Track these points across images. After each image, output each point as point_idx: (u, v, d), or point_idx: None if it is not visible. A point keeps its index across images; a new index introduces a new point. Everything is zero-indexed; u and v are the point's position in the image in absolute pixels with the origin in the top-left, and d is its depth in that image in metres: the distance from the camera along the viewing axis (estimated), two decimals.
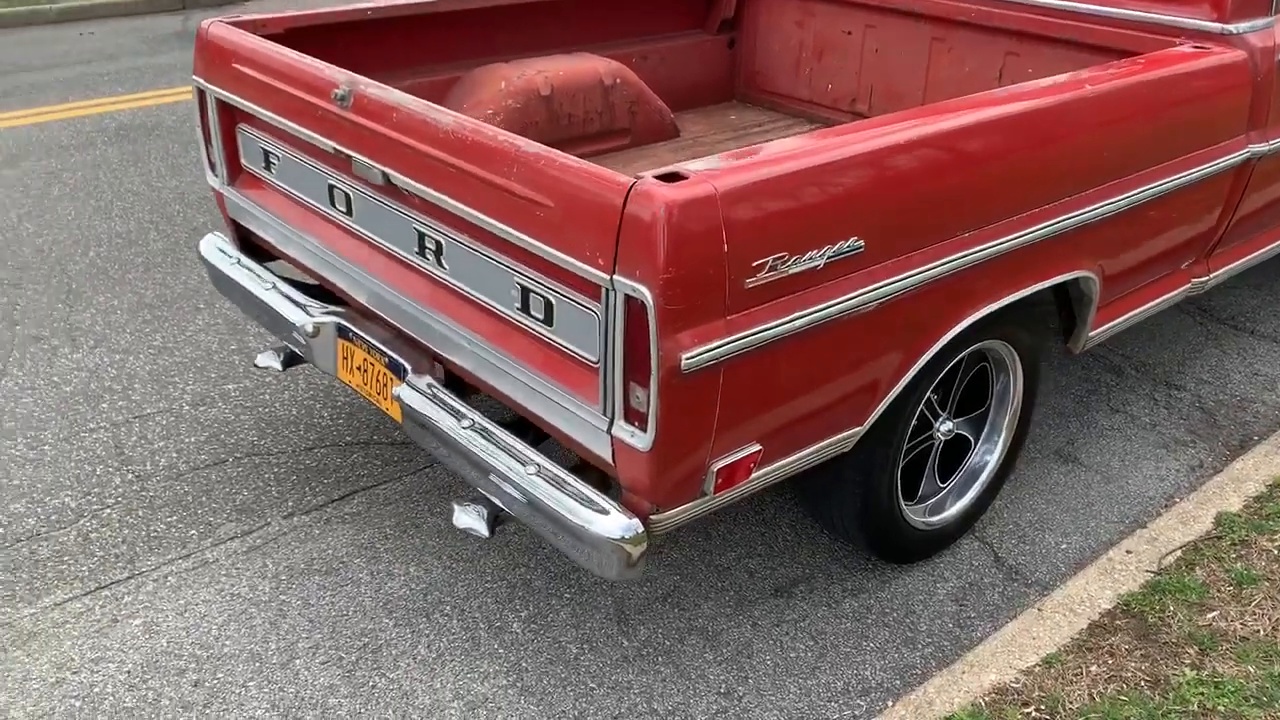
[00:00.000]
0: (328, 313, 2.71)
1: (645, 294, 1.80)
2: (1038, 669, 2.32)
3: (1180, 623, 2.42)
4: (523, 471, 2.12)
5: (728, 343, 1.89)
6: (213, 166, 3.07)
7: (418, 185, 2.25)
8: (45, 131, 6.30)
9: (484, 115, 3.31)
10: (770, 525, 2.96)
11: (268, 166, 2.89)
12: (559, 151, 1.98)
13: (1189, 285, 3.18)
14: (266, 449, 3.29)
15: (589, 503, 2.03)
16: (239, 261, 3.00)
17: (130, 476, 3.15)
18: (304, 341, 2.72)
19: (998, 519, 3.00)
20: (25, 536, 2.90)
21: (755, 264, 1.89)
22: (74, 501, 3.04)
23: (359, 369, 2.63)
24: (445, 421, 2.29)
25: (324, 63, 2.56)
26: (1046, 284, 2.54)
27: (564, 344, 2.07)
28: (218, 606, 2.66)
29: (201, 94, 2.98)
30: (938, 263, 2.19)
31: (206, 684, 2.44)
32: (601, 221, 1.85)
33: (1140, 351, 3.88)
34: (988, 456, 2.89)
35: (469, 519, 2.26)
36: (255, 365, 3.07)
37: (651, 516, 2.04)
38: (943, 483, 2.86)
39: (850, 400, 2.27)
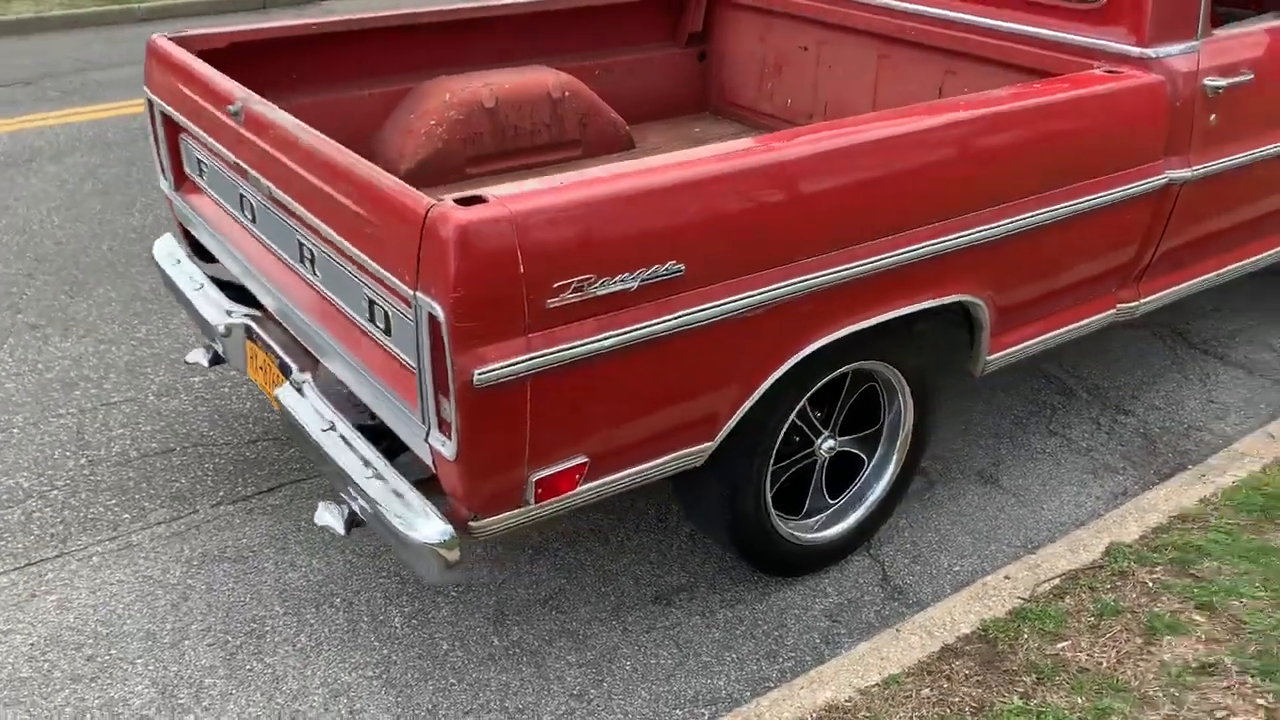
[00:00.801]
0: (243, 315, 2.86)
1: (439, 311, 1.90)
2: (874, 689, 2.35)
3: (1028, 651, 2.43)
4: (362, 477, 2.23)
5: (529, 360, 1.97)
6: (163, 172, 3.26)
7: (287, 198, 2.38)
8: (97, 128, 6.65)
9: (427, 126, 3.45)
10: (669, 533, 3.03)
11: (201, 174, 3.06)
12: (383, 172, 2.08)
13: (1114, 310, 3.14)
14: (213, 440, 3.47)
15: (411, 509, 2.13)
16: (179, 262, 3.18)
17: (84, 461, 3.36)
18: (220, 341, 2.88)
19: (897, 537, 3.01)
20: None
21: (557, 285, 1.96)
22: (27, 482, 3.25)
23: (261, 369, 2.78)
24: (309, 423, 2.41)
25: (229, 79, 2.71)
26: (916, 308, 2.56)
27: (399, 354, 2.17)
28: (129, 587, 2.84)
29: (150, 103, 3.17)
30: (772, 288, 2.24)
31: (99, 659, 2.61)
32: (407, 240, 1.95)
33: (1097, 374, 3.83)
34: (879, 476, 2.91)
35: (329, 517, 2.38)
36: (185, 361, 3.25)
37: (470, 523, 2.13)
38: (832, 499, 2.89)
39: (693, 417, 2.33)
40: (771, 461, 2.60)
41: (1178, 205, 3.05)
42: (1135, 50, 2.90)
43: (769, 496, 2.65)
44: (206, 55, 3.18)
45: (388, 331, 2.20)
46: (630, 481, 2.33)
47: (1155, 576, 2.64)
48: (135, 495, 3.20)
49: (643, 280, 2.07)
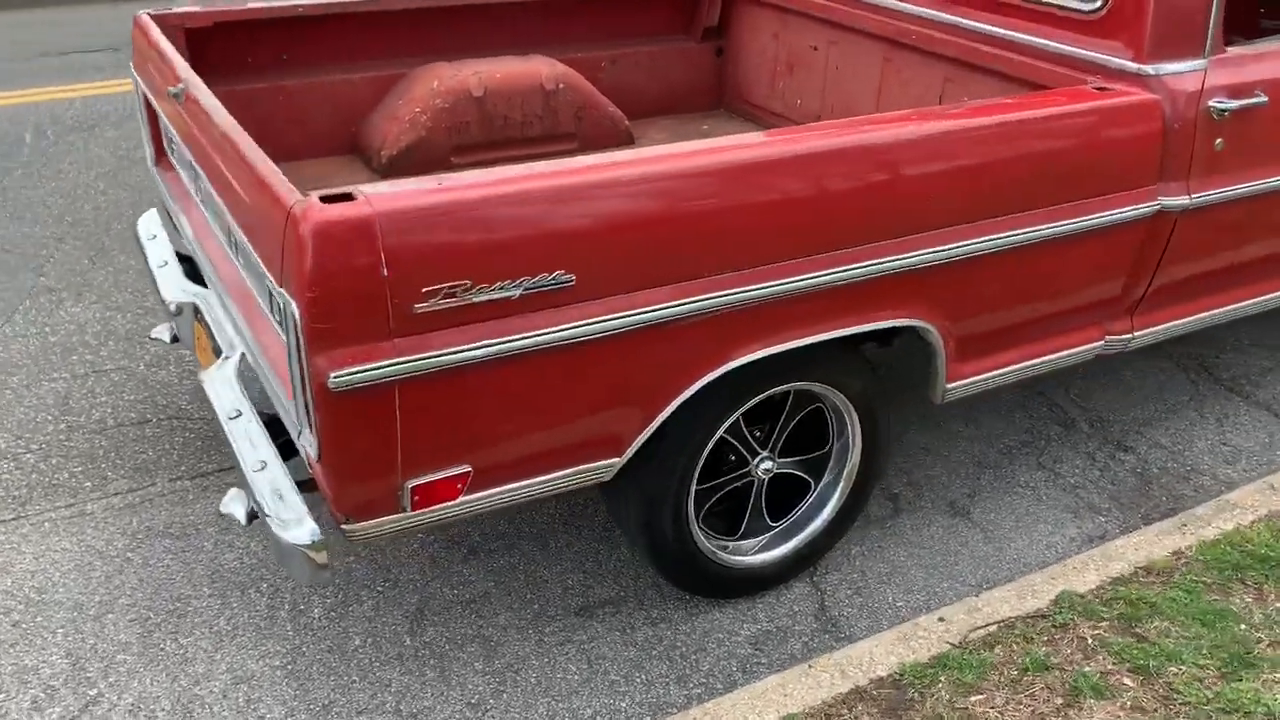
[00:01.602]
0: (193, 294, 2.87)
1: (294, 310, 1.86)
2: None
3: (937, 702, 2.29)
4: (250, 469, 2.21)
5: (394, 365, 1.92)
6: (148, 146, 3.29)
7: (207, 182, 2.37)
8: None
9: (412, 114, 3.42)
10: (612, 543, 2.96)
11: (171, 151, 3.08)
12: (269, 163, 2.05)
13: (1102, 342, 2.95)
14: (190, 414, 3.51)
15: (287, 507, 2.10)
16: (154, 237, 3.21)
17: (63, 426, 3.43)
18: (173, 319, 2.90)
19: (846, 565, 2.89)
20: None
21: (426, 290, 1.90)
22: (4, 444, 3.34)
23: (203, 350, 2.79)
24: (219, 408, 2.40)
25: (181, 60, 2.72)
26: (850, 331, 2.43)
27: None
28: (70, 556, 2.88)
29: (135, 80, 3.20)
30: (674, 304, 2.14)
31: (23, 625, 2.65)
32: (275, 235, 1.91)
33: (1105, 405, 3.62)
34: (824, 503, 2.78)
35: (234, 505, 2.36)
36: (149, 336, 3.29)
37: (344, 526, 2.09)
38: (774, 522, 2.78)
39: (594, 432, 2.25)
40: (694, 480, 2.51)
41: (1176, 235, 2.85)
42: (1133, 66, 2.71)
43: (692, 515, 2.55)
44: (192, 34, 3.21)
45: (282, 324, 2.17)
46: (530, 493, 2.26)
47: (1097, 632, 2.47)
48: (101, 464, 3.25)
49: (526, 289, 1.99)
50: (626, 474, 2.43)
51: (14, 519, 3.02)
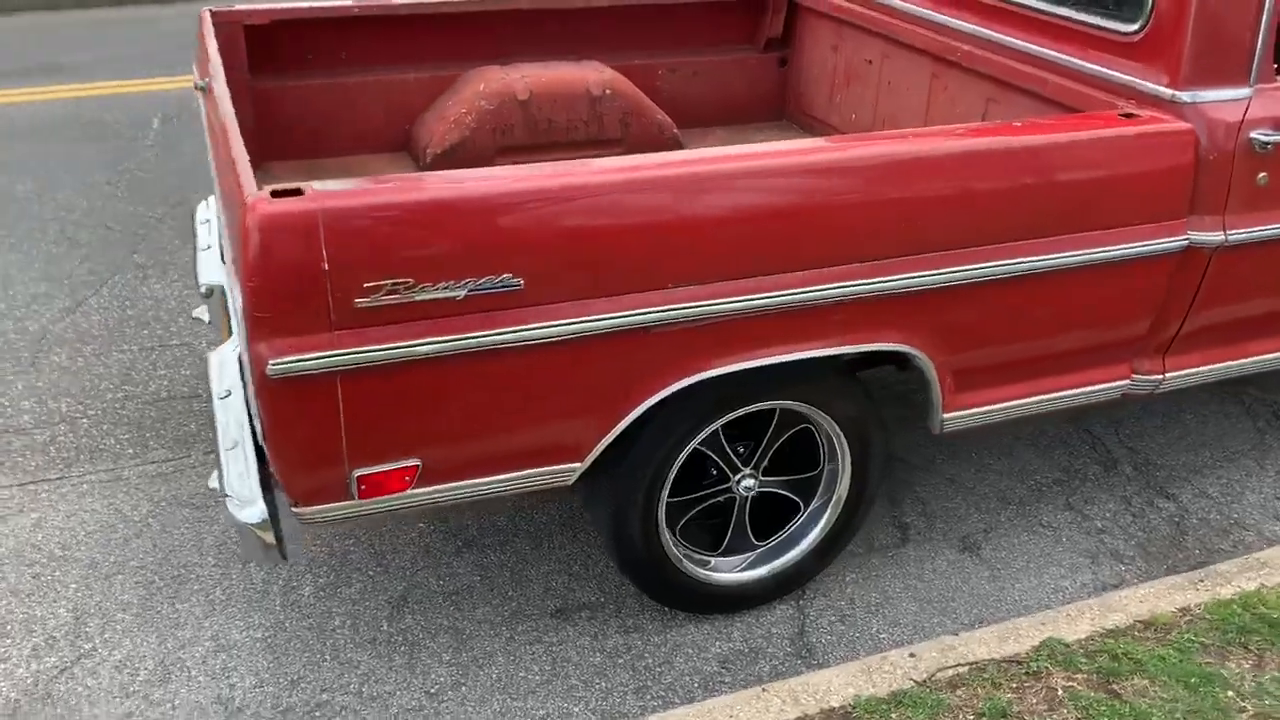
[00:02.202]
0: (222, 278, 3.01)
1: (240, 298, 1.94)
2: None
3: None
4: (224, 447, 2.31)
5: (335, 357, 1.97)
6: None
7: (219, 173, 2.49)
8: None
9: (458, 114, 3.50)
10: (603, 548, 2.97)
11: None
12: (244, 157, 2.13)
13: (1129, 381, 2.81)
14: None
15: (245, 486, 2.19)
16: (206, 222, 3.38)
17: (121, 395, 3.64)
18: (204, 300, 3.05)
19: (836, 591, 2.83)
20: (13, 429, 3.45)
21: (368, 285, 1.96)
22: (66, 408, 3.57)
23: (226, 331, 2.92)
24: (214, 386, 2.52)
25: (216, 56, 2.85)
26: (829, 352, 2.38)
27: None
28: (98, 517, 3.06)
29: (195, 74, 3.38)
30: (627, 314, 2.14)
31: (42, 578, 2.83)
32: (236, 226, 2.00)
33: (1155, 447, 3.44)
34: (810, 527, 2.73)
35: (215, 480, 2.47)
36: (191, 315, 3.45)
37: (294, 510, 2.17)
38: (759, 541, 2.74)
39: (550, 436, 2.27)
40: (665, 490, 2.50)
41: (1211, 273, 2.69)
42: (1167, 92, 2.57)
43: (663, 525, 2.54)
44: (251, 30, 3.36)
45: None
46: (484, 491, 2.30)
47: (1071, 684, 2.35)
48: (146, 434, 3.44)
49: (472, 290, 2.03)
50: (596, 478, 2.44)
51: (58, 479, 3.23)
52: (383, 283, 1.96)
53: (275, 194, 1.93)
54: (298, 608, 2.75)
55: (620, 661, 2.60)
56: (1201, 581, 2.72)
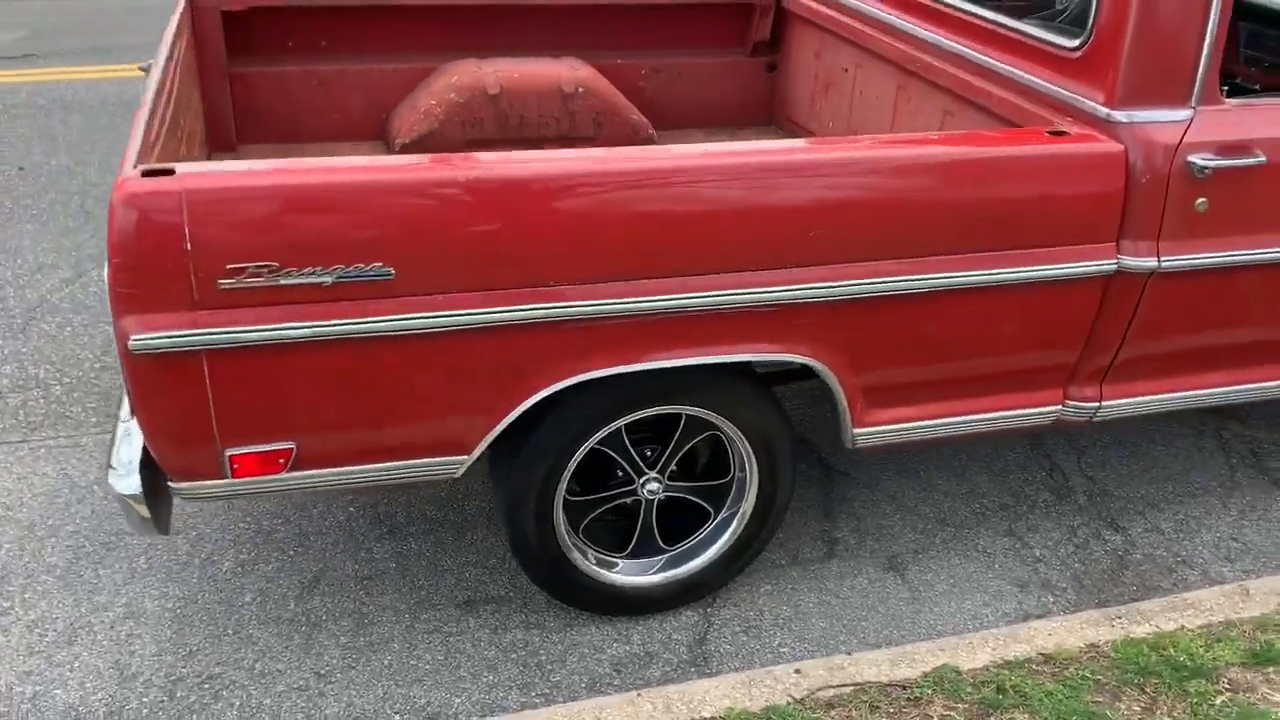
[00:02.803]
0: None
1: (106, 274, 1.99)
2: None
3: None
4: (124, 414, 2.37)
5: (197, 335, 2.01)
6: None
7: None
8: None
9: (428, 105, 3.54)
10: None
11: None
12: (139, 141, 2.17)
13: (1060, 407, 2.73)
14: None
15: (128, 456, 2.25)
16: None
17: (98, 365, 3.76)
18: None
19: (747, 602, 2.80)
20: None
21: (231, 267, 1.99)
22: (45, 374, 3.69)
23: None
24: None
25: (177, 39, 2.91)
26: (719, 359, 2.35)
27: None
28: (47, 481, 3.16)
29: None
30: (505, 310, 2.14)
31: None
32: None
33: (1117, 479, 3.33)
34: (718, 536, 2.71)
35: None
36: None
37: (168, 484, 2.22)
38: (666, 546, 2.73)
39: (434, 427, 2.28)
40: (560, 487, 2.49)
41: (1147, 300, 2.60)
42: (1103, 111, 2.49)
43: (560, 522, 2.54)
44: (228, 16, 3.43)
45: None
46: (372, 478, 2.32)
47: (949, 713, 2.29)
48: (112, 403, 3.54)
49: (340, 278, 2.05)
50: (498, 472, 2.45)
51: (20, 441, 3.34)
52: (246, 265, 1.99)
53: (146, 173, 1.97)
54: (213, 581, 2.81)
55: (514, 657, 2.61)
56: (1119, 618, 2.63)
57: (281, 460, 2.22)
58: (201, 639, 2.63)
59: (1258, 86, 3.33)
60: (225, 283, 2.00)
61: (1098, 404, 2.75)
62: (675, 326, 2.28)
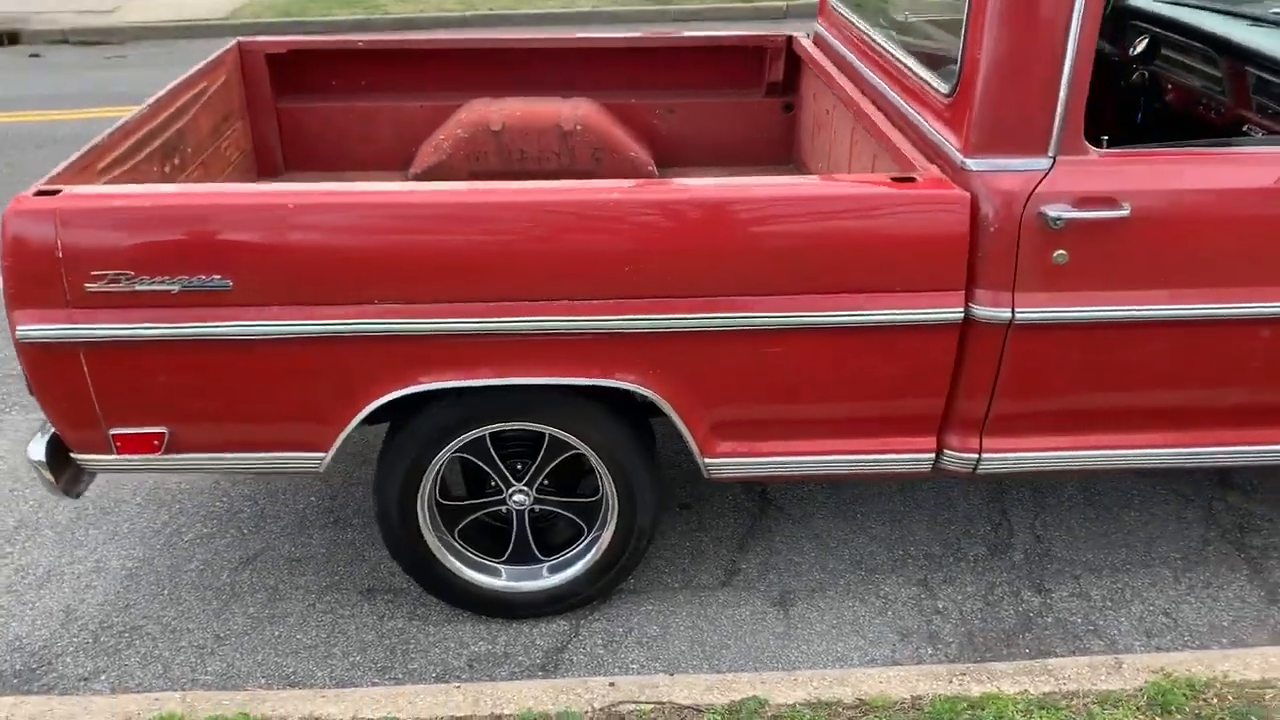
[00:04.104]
0: None
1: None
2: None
3: None
4: None
5: (71, 330, 2.40)
6: None
7: None
8: None
9: (438, 140, 3.88)
10: None
11: None
12: (69, 163, 2.59)
13: (930, 455, 2.70)
14: None
15: (44, 425, 2.66)
16: None
17: None
18: None
19: (621, 616, 2.93)
20: None
21: (95, 273, 2.36)
22: None
23: None
24: None
25: (192, 82, 3.37)
26: (549, 381, 2.51)
27: None
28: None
29: None
30: (331, 323, 2.40)
31: (16, 492, 3.49)
32: None
33: (1071, 539, 3.21)
34: (586, 553, 2.86)
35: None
36: None
37: (72, 455, 2.62)
38: (543, 557, 2.90)
39: (288, 426, 2.58)
40: (422, 493, 2.72)
41: (1010, 351, 2.55)
42: (958, 158, 2.49)
43: (426, 526, 2.77)
44: (272, 59, 3.91)
45: None
46: (243, 466, 2.65)
47: None
48: None
49: (184, 286, 2.38)
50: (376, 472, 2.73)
51: None
52: (106, 273, 2.36)
53: (38, 193, 2.38)
54: (172, 549, 3.22)
55: (386, 643, 2.85)
56: (963, 675, 2.57)
57: (156, 442, 2.57)
58: (141, 595, 3.03)
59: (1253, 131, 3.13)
60: (91, 287, 2.37)
61: (978, 455, 2.70)
62: (501, 348, 2.47)
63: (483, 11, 12.06)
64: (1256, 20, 3.37)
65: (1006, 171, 2.44)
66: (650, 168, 3.91)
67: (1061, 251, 2.45)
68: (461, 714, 2.48)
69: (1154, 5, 3.71)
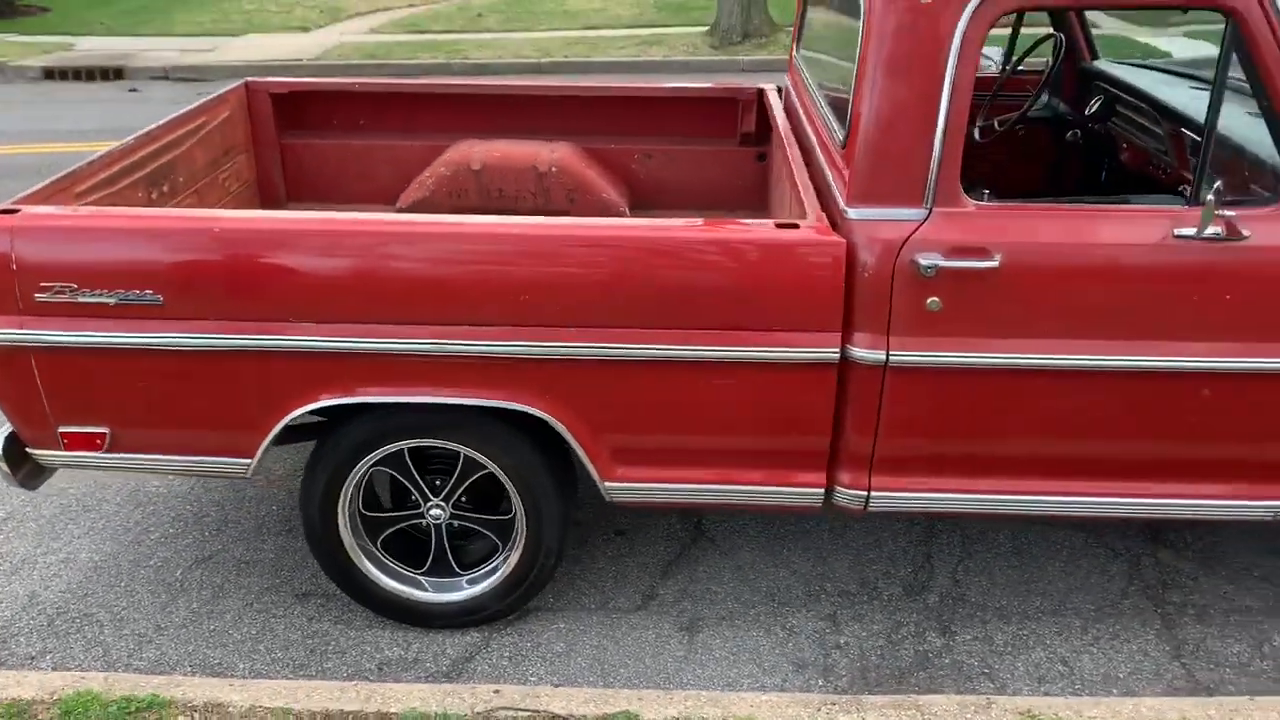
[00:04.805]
0: None
1: None
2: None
3: None
4: None
5: (23, 335, 2.66)
6: None
7: None
8: None
9: (423, 177, 4.13)
10: None
11: None
12: (34, 189, 2.88)
13: (819, 490, 2.81)
14: None
15: (3, 421, 2.94)
16: None
17: None
18: None
19: (534, 632, 3.07)
20: None
21: (44, 284, 2.63)
22: None
23: None
24: None
25: (189, 118, 3.68)
26: (450, 400, 2.69)
27: None
28: None
29: None
30: (249, 338, 2.63)
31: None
32: None
33: (989, 585, 3.26)
34: (496, 569, 3.02)
35: None
36: None
37: (28, 449, 2.89)
38: (460, 570, 3.07)
39: (215, 432, 2.80)
40: (341, 505, 2.92)
41: (889, 393, 2.66)
42: (841, 205, 2.63)
43: (345, 534, 2.96)
44: (276, 98, 4.21)
45: None
46: (178, 468, 2.87)
47: None
48: None
49: (120, 300, 2.63)
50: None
51: None
52: (53, 284, 2.63)
53: (1, 211, 2.67)
54: (138, 545, 3.47)
55: (309, 643, 3.05)
56: (833, 705, 2.66)
57: (99, 441, 2.82)
58: (100, 586, 3.28)
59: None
60: (40, 296, 2.64)
61: (867, 493, 2.79)
62: (410, 367, 2.66)
63: (557, 59, 12.44)
64: (1201, 83, 3.43)
65: (883, 220, 2.56)
66: (622, 209, 4.09)
67: (934, 298, 2.55)
68: (352, 709, 2.65)
69: (1113, 68, 3.78)
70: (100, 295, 2.62)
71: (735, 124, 4.24)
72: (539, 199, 4.07)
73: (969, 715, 2.61)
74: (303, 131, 4.31)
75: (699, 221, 2.65)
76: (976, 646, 3.02)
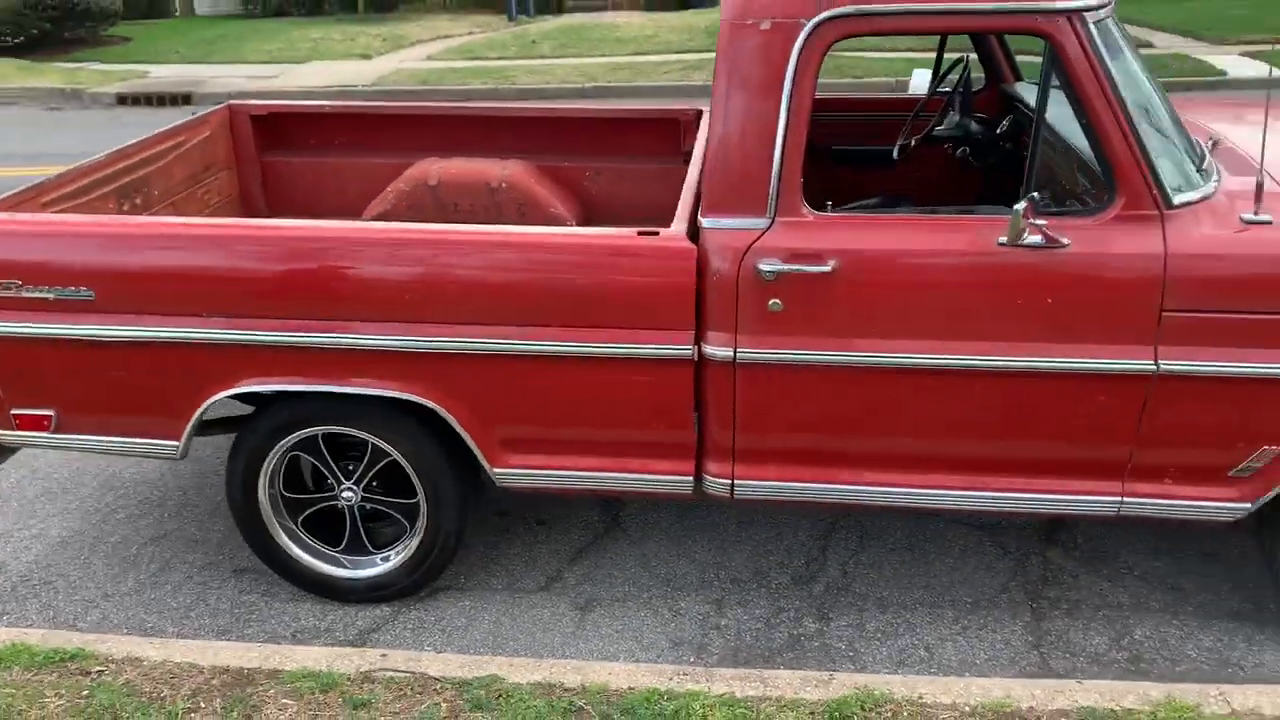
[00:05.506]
0: None
1: None
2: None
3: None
4: None
5: None
6: None
7: None
8: None
9: (386, 192, 4.45)
10: None
11: None
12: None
13: (689, 479, 3.03)
14: None
15: None
16: None
17: None
18: None
19: (440, 607, 3.33)
20: None
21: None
22: None
23: None
24: None
25: (171, 134, 4.05)
26: (349, 390, 2.98)
27: None
28: None
29: None
30: (174, 330, 2.95)
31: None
32: None
33: (876, 576, 3.43)
34: (401, 550, 3.29)
35: None
36: None
37: None
38: (375, 549, 3.36)
39: (145, 416, 3.13)
40: (260, 484, 3.22)
41: (741, 388, 2.88)
42: (698, 215, 2.86)
43: (266, 511, 3.26)
44: (256, 119, 4.58)
45: None
46: (114, 449, 3.20)
47: (433, 700, 2.73)
48: None
49: (57, 295, 2.98)
50: None
51: None
52: (2, 281, 2.99)
53: None
54: (104, 524, 3.82)
55: (236, 612, 3.35)
56: (685, 675, 2.86)
57: (46, 423, 3.17)
58: (62, 559, 3.63)
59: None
60: None
61: (731, 481, 3.01)
62: (311, 358, 2.96)
63: (601, 84, 12.78)
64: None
65: (730, 229, 2.78)
66: (569, 222, 4.36)
67: (776, 300, 2.77)
68: (251, 666, 2.94)
69: (1026, 89, 3.95)
70: (41, 290, 2.97)
71: (679, 142, 4.48)
72: (491, 213, 4.34)
73: (809, 689, 2.80)
74: (282, 150, 4.66)
75: (570, 228, 2.89)
76: (848, 632, 3.19)
